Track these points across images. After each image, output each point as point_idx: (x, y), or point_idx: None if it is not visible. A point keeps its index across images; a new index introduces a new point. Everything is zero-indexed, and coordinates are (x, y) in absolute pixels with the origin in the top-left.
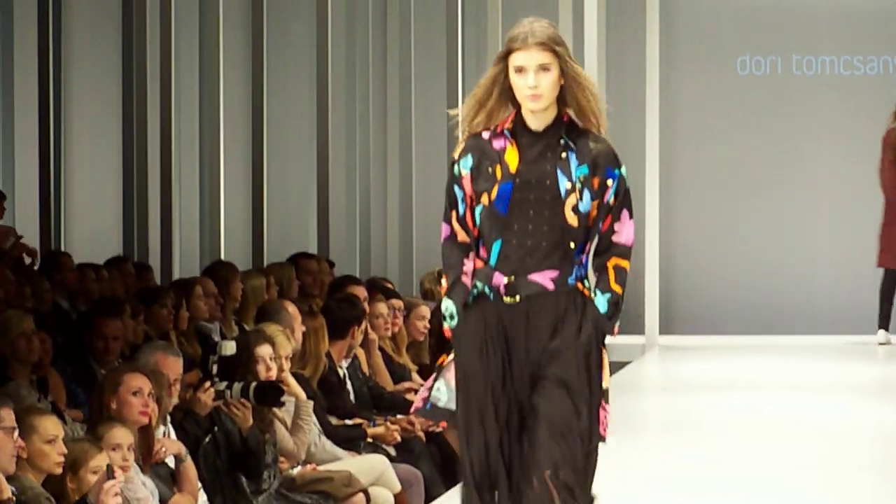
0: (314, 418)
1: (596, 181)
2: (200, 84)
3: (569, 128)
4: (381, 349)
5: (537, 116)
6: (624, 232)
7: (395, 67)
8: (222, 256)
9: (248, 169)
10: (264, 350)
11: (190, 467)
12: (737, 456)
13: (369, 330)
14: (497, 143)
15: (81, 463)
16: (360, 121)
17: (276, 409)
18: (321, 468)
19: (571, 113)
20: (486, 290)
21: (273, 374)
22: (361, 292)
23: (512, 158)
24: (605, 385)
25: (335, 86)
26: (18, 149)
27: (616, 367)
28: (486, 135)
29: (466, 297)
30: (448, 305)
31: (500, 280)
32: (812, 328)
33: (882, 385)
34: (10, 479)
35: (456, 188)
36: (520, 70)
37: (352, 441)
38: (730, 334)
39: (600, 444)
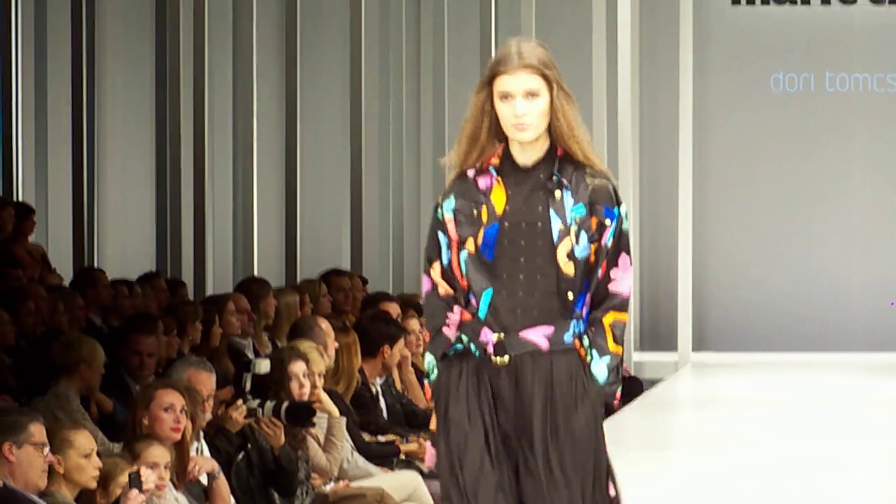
0: (347, 435)
1: (594, 222)
2: (234, 100)
3: (563, 162)
4: (413, 365)
5: (525, 149)
6: (622, 281)
7: (428, 81)
8: (255, 273)
9: (282, 185)
10: (298, 367)
11: (223, 484)
12: (770, 475)
13: (402, 346)
14: (482, 182)
15: (112, 477)
16: (393, 138)
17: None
18: (354, 484)
19: None
20: (472, 346)
21: (306, 391)
22: (394, 309)
23: (499, 198)
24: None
25: (369, 105)
26: (51, 165)
27: (648, 384)
28: (471, 173)
29: (447, 348)
30: (429, 360)
31: (489, 337)
32: (848, 345)
33: None
34: (42, 493)
35: (440, 234)
36: (505, 97)
37: (385, 457)
38: (764, 351)
39: None
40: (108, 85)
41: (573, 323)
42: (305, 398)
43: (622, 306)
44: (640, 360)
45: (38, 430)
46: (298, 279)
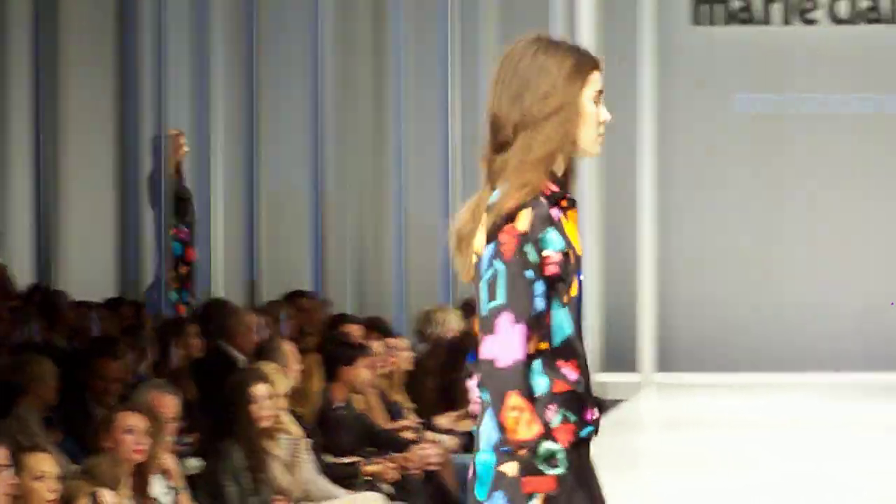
0: (310, 456)
1: None
2: (196, 121)
3: None
4: (376, 387)
5: (572, 173)
6: None
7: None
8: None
9: (246, 210)
10: (259, 389)
11: (185, 501)
12: (736, 496)
13: (366, 367)
14: (555, 214)
15: (73, 499)
16: (359, 138)
17: (271, 448)
18: None
19: None
20: (582, 426)
21: (267, 413)
22: (357, 330)
23: (575, 237)
24: None
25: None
26: (10, 183)
27: (611, 405)
28: (543, 200)
29: (574, 436)
30: (553, 447)
31: (592, 412)
32: (814, 365)
33: (886, 426)
34: None
35: (530, 276)
36: (599, 98)
37: (347, 478)
38: (730, 372)
39: None
40: (70, 105)
41: None
42: (267, 420)
43: None
44: (601, 381)
45: (1, 453)
46: (261, 301)
